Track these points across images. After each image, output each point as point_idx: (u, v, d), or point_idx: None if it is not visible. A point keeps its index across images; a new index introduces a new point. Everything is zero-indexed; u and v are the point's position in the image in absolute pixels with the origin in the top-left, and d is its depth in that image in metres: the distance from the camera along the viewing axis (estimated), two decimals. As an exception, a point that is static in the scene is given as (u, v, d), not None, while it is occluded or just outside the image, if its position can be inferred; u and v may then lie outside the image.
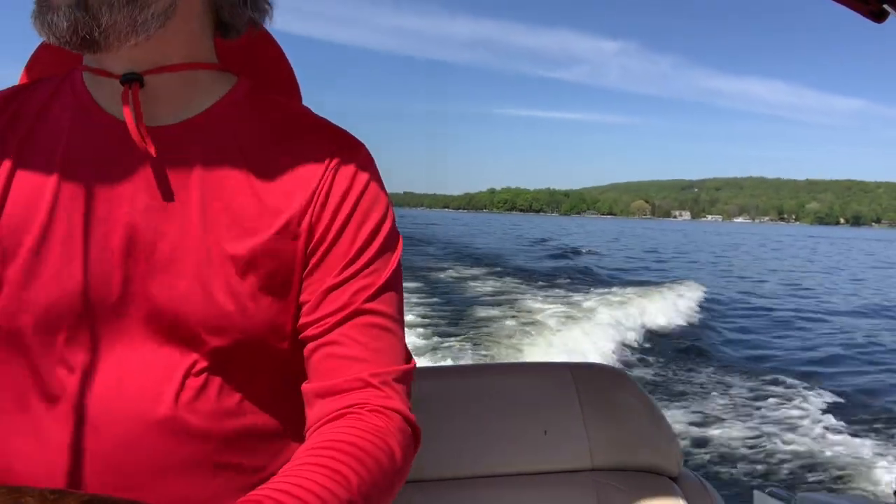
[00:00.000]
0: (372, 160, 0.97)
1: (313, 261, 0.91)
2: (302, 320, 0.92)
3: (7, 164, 0.89)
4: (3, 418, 0.88)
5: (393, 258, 0.95)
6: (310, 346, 0.91)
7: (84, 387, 0.85)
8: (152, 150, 0.86)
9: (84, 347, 0.86)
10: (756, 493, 2.07)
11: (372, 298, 0.92)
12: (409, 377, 0.94)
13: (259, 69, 1.06)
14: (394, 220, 0.98)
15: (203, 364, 0.87)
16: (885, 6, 1.42)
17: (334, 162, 0.93)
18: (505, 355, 10.28)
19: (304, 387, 0.92)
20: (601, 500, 1.44)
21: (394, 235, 0.97)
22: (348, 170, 0.93)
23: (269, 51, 1.10)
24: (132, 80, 0.87)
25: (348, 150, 0.95)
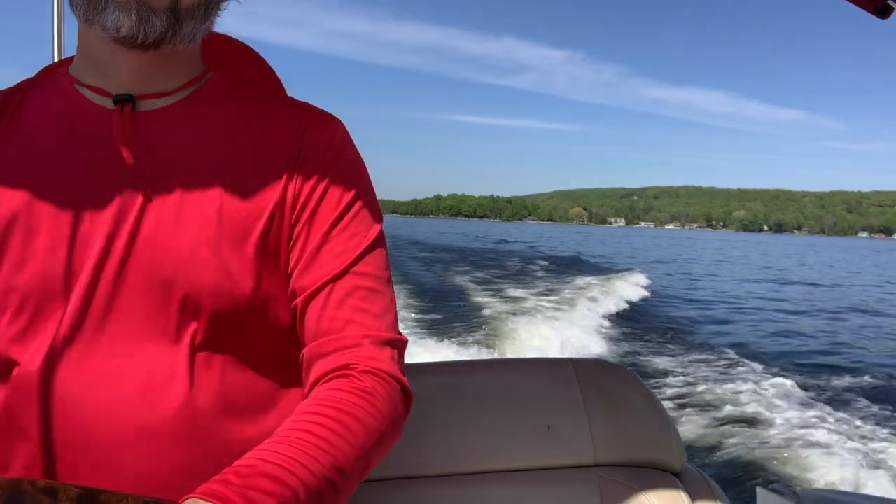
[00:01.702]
0: (347, 132, 1.00)
1: (298, 227, 0.93)
2: (291, 286, 0.94)
3: None
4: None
5: (376, 224, 0.98)
6: (300, 310, 0.93)
7: (88, 367, 0.85)
8: (132, 160, 0.89)
9: (75, 331, 0.86)
10: (759, 489, 2.01)
11: (358, 260, 0.94)
12: (401, 345, 0.95)
13: (237, 67, 1.09)
14: (374, 192, 1.01)
15: (203, 337, 0.89)
16: (890, 2, 1.41)
17: (311, 134, 0.96)
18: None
19: (303, 348, 0.94)
20: (604, 495, 1.44)
21: (375, 205, 1.00)
22: (326, 140, 0.97)
23: (246, 53, 1.13)
24: (125, 101, 0.92)
25: (324, 122, 0.99)
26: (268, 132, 0.96)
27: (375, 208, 0.99)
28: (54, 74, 0.99)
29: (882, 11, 1.43)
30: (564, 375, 1.55)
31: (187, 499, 0.67)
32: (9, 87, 1.01)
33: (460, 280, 20.90)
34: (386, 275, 0.97)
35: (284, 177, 0.94)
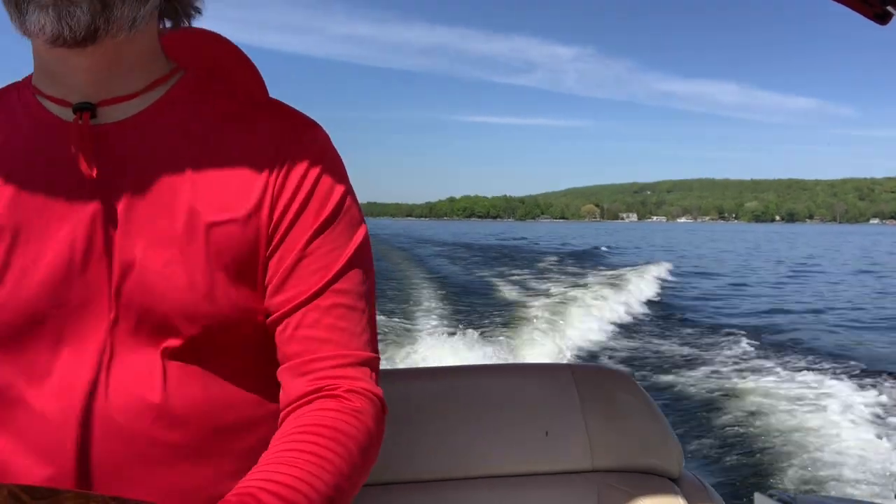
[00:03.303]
0: (328, 139, 0.97)
1: (276, 240, 0.90)
2: (267, 301, 0.91)
3: None
4: None
5: (356, 236, 0.94)
6: (277, 327, 0.91)
7: (63, 385, 0.85)
8: (95, 174, 0.86)
9: (56, 348, 0.86)
10: (757, 495, 2.02)
11: (336, 278, 0.91)
12: (377, 363, 0.94)
13: (217, 67, 1.05)
14: (356, 200, 0.97)
15: (179, 353, 0.87)
16: (889, 8, 1.41)
17: (290, 141, 0.92)
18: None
19: (281, 358, 0.92)
20: (602, 501, 1.44)
21: (357, 215, 0.96)
22: (305, 148, 0.92)
23: (224, 47, 1.09)
24: (84, 110, 0.88)
25: (303, 128, 0.94)
26: (243, 138, 0.91)
27: (357, 215, 0.96)
28: (17, 86, 0.97)
29: (881, 17, 1.43)
30: (562, 380, 1.54)
31: None
32: None
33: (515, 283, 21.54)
34: (364, 289, 0.94)
35: (261, 187, 0.89)
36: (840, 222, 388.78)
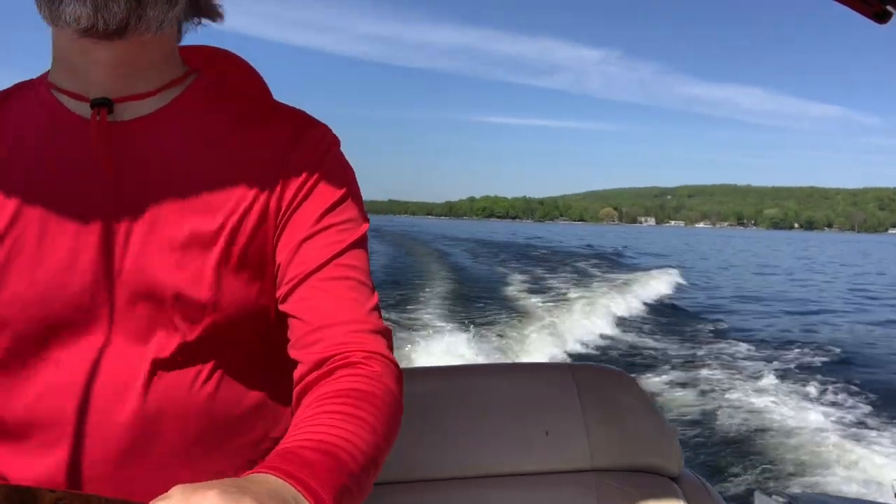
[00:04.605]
0: (335, 137, 0.99)
1: (285, 230, 0.92)
2: (277, 289, 0.92)
3: None
4: None
5: (361, 227, 0.96)
6: (288, 301, 0.91)
7: (72, 380, 0.85)
8: (110, 169, 0.88)
9: (66, 343, 0.87)
10: (757, 493, 2.00)
11: (343, 252, 0.92)
12: (390, 335, 0.92)
13: (225, 75, 1.07)
14: (361, 200, 0.98)
15: (189, 347, 0.88)
16: (889, 7, 1.41)
17: (297, 140, 0.94)
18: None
19: (290, 342, 0.91)
20: (601, 500, 1.43)
21: (362, 212, 0.97)
22: (312, 146, 0.95)
23: (232, 60, 1.11)
24: (101, 105, 0.89)
25: (310, 127, 0.97)
26: (254, 139, 0.94)
27: (362, 213, 0.97)
28: (33, 82, 0.98)
29: (881, 17, 1.43)
30: (562, 380, 1.54)
31: (251, 474, 0.65)
32: None
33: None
34: (368, 273, 0.95)
35: (271, 185, 0.91)
36: (858, 231, 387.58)
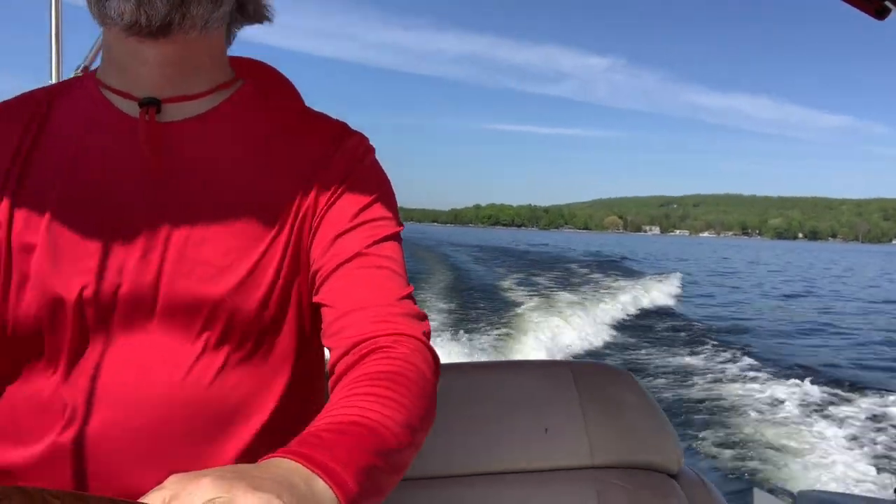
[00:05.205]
0: (371, 146, 1.01)
1: (319, 224, 0.93)
2: (311, 275, 0.93)
3: (18, 166, 0.91)
4: (22, 410, 0.89)
5: (397, 227, 0.97)
6: (321, 291, 0.92)
7: (105, 373, 0.86)
8: (157, 168, 0.90)
9: (103, 337, 0.87)
10: (756, 490, 2.04)
11: (378, 243, 0.93)
12: (426, 319, 0.92)
13: (266, 85, 1.08)
14: (395, 201, 1.00)
15: (224, 345, 0.89)
16: (887, 3, 1.42)
17: (336, 147, 0.96)
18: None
19: (321, 330, 0.92)
20: (601, 497, 1.44)
21: (395, 212, 0.99)
22: (349, 153, 0.97)
23: (269, 71, 1.13)
24: (150, 104, 0.91)
25: (347, 136, 0.99)
26: (296, 146, 0.96)
27: (396, 216, 0.99)
28: (81, 80, 1.00)
29: (880, 13, 1.44)
30: (562, 378, 1.55)
31: (263, 460, 0.63)
32: (37, 88, 1.01)
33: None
34: (403, 265, 0.95)
35: (310, 190, 0.93)
36: (862, 241, 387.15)
